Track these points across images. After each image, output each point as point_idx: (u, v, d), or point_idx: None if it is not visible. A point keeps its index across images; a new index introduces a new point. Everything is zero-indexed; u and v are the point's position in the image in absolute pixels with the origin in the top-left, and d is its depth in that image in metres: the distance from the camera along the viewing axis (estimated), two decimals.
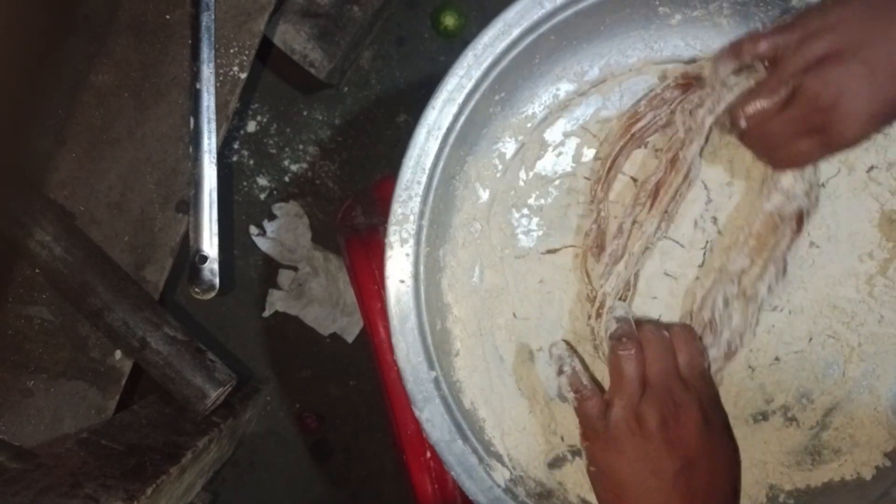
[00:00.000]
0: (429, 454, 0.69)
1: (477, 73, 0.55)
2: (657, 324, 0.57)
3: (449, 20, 0.89)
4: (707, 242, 0.60)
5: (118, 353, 0.74)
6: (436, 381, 0.56)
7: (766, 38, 0.51)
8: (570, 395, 0.55)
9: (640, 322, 0.56)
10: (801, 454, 0.61)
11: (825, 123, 0.49)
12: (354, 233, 0.75)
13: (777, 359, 0.61)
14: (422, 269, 0.56)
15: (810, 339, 0.60)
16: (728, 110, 0.53)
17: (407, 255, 0.56)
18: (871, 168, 0.59)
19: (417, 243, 0.56)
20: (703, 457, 0.52)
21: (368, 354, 0.92)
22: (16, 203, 0.69)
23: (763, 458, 0.60)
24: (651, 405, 0.52)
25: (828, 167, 0.59)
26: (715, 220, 0.60)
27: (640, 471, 0.52)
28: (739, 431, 0.60)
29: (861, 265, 0.59)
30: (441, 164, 0.56)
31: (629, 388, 0.53)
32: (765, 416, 0.61)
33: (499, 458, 0.59)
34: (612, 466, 0.53)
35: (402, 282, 0.56)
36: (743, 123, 0.51)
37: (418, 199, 0.55)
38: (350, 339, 0.93)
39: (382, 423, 0.94)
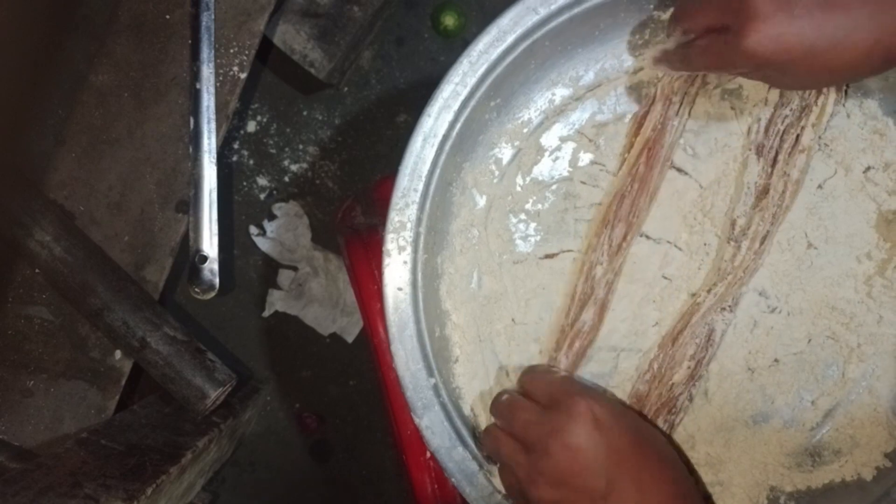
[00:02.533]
0: (428, 454, 0.69)
1: (472, 80, 0.55)
2: (501, 393, 0.57)
3: (449, 20, 0.89)
4: (705, 245, 0.60)
5: (118, 353, 0.74)
6: (435, 388, 0.56)
7: None
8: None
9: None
10: (802, 455, 0.61)
11: (735, 20, 0.48)
12: (354, 233, 0.75)
13: (776, 360, 0.61)
14: (420, 276, 0.56)
15: (809, 341, 0.61)
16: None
17: (405, 262, 0.56)
18: (868, 169, 0.59)
19: (415, 251, 0.56)
20: (617, 463, 0.50)
21: (368, 354, 0.92)
22: (16, 203, 0.69)
23: (763, 459, 0.60)
24: (540, 459, 0.51)
25: (824, 168, 0.59)
26: (706, 216, 0.60)
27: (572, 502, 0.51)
28: (740, 433, 0.60)
29: (859, 266, 0.59)
30: (438, 171, 0.56)
31: (515, 462, 0.53)
32: (765, 418, 0.61)
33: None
34: None
35: (401, 289, 0.56)
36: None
37: (415, 206, 0.56)
38: (350, 339, 0.93)
39: (382, 423, 0.94)
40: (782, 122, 0.57)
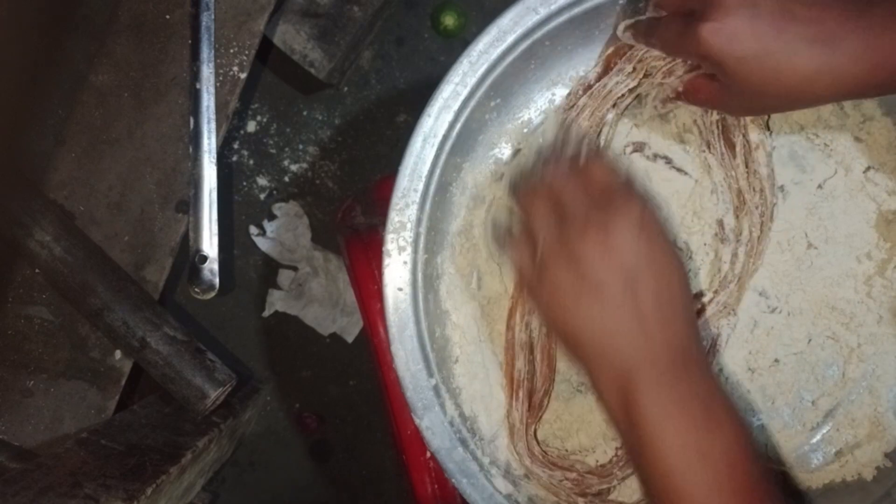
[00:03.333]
0: (428, 454, 0.69)
1: (472, 80, 0.56)
2: (560, 156, 0.54)
3: (449, 20, 0.89)
4: (705, 245, 0.60)
5: (118, 353, 0.74)
6: (435, 388, 0.56)
7: None
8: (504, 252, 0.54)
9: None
10: (802, 456, 0.61)
11: (701, 6, 0.48)
12: (354, 233, 0.75)
13: (777, 361, 0.61)
14: (420, 276, 0.56)
15: (809, 341, 0.61)
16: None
17: (405, 262, 0.56)
18: (868, 169, 0.59)
19: (415, 251, 0.56)
20: (643, 266, 0.48)
21: (368, 354, 0.92)
22: (16, 203, 0.69)
23: (764, 460, 0.60)
24: (571, 233, 0.49)
25: (824, 168, 0.59)
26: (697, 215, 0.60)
27: (581, 304, 0.49)
28: None
29: (859, 266, 0.59)
30: (438, 171, 0.56)
31: (544, 228, 0.50)
32: (765, 418, 0.61)
33: (499, 466, 0.59)
34: (556, 312, 0.50)
35: (401, 290, 0.56)
36: None
37: (415, 206, 0.56)
38: (350, 339, 0.93)
39: (382, 423, 0.94)
40: (717, 122, 0.57)
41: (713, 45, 0.47)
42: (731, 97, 0.51)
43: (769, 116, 0.58)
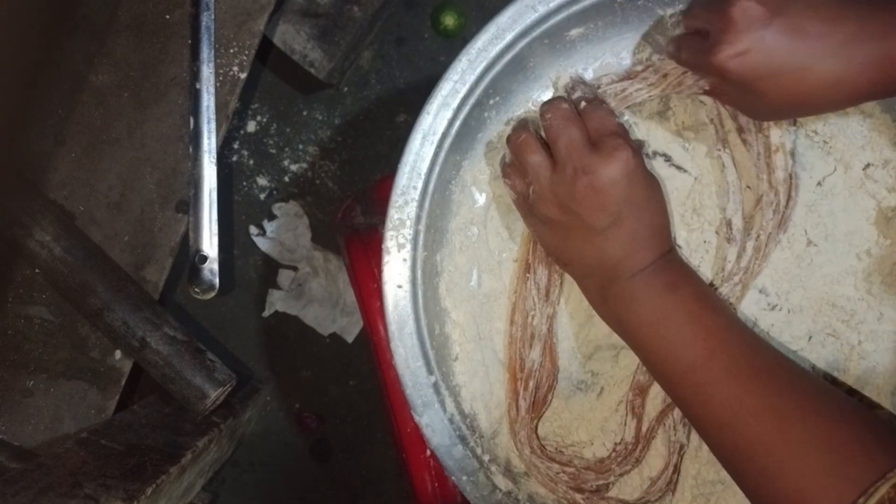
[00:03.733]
0: (429, 453, 0.69)
1: (471, 78, 0.56)
2: (561, 99, 0.56)
3: (449, 20, 0.89)
4: (705, 242, 0.60)
5: (118, 353, 0.74)
6: (435, 385, 0.56)
7: None
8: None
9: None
10: None
11: (713, 28, 0.50)
12: (354, 233, 0.75)
13: None
14: (419, 274, 0.57)
15: (810, 338, 0.60)
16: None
17: (404, 260, 0.56)
18: (868, 166, 0.59)
19: (414, 248, 0.56)
20: (627, 208, 0.52)
21: (368, 354, 0.92)
22: (16, 203, 0.69)
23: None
24: (562, 180, 0.52)
25: (824, 166, 0.59)
26: (713, 220, 0.60)
27: (571, 238, 0.54)
28: None
29: (859, 263, 0.59)
30: (437, 169, 0.56)
31: (534, 172, 0.54)
32: None
33: (499, 463, 0.59)
34: (547, 240, 0.56)
35: (400, 287, 0.56)
36: None
37: (415, 204, 0.56)
38: (350, 338, 0.93)
39: (382, 423, 0.94)
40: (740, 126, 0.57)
41: (728, 67, 0.49)
42: (752, 106, 0.54)
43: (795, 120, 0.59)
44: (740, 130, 0.57)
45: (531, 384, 0.58)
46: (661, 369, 0.54)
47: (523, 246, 0.59)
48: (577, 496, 0.58)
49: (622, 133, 0.53)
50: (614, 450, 0.60)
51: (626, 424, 0.60)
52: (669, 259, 0.55)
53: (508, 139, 0.56)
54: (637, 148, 0.54)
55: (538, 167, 0.54)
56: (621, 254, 0.53)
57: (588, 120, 0.54)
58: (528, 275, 0.58)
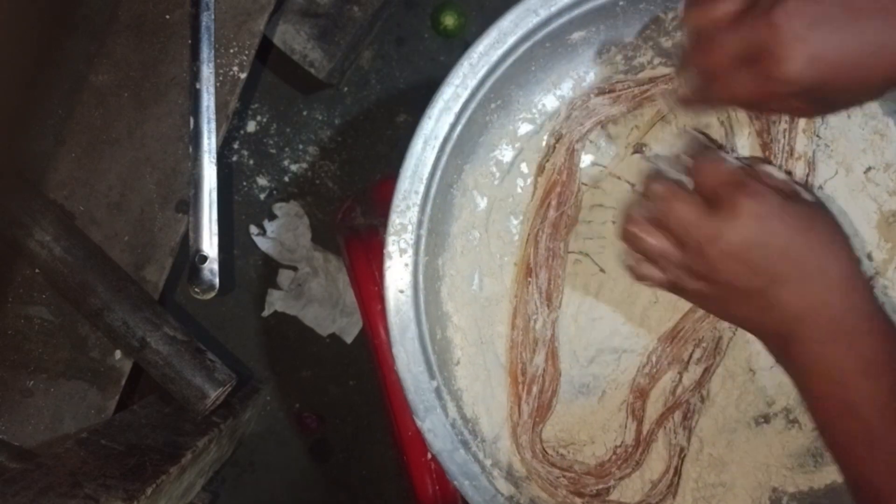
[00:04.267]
0: (430, 456, 0.69)
1: (473, 82, 0.56)
2: (654, 176, 0.52)
3: (449, 20, 0.89)
4: None
5: (118, 353, 0.74)
6: (437, 390, 0.56)
7: None
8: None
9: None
10: (804, 456, 0.61)
11: (766, 47, 0.44)
12: (354, 233, 0.75)
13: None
14: (421, 278, 0.57)
15: None
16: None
17: (406, 264, 0.56)
18: (869, 169, 0.59)
19: (416, 253, 0.56)
20: (778, 260, 0.47)
21: (368, 355, 0.92)
22: (16, 203, 0.69)
23: (766, 460, 0.60)
24: (694, 260, 0.49)
25: (825, 169, 0.59)
26: None
27: (728, 307, 0.50)
28: (741, 435, 0.60)
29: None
30: (438, 173, 0.56)
31: (663, 259, 0.50)
32: (766, 419, 0.61)
33: (501, 468, 0.59)
34: (713, 311, 0.53)
35: (402, 292, 0.56)
36: (692, 20, 0.47)
37: (416, 208, 0.56)
38: (349, 339, 0.93)
39: (382, 423, 0.94)
40: (767, 133, 0.57)
41: (807, 78, 0.44)
42: (814, 106, 0.48)
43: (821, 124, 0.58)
44: (763, 136, 0.57)
45: (534, 389, 0.58)
46: (832, 432, 0.49)
47: (524, 249, 0.59)
48: (578, 500, 0.58)
49: (738, 179, 0.48)
50: (614, 452, 0.60)
51: (626, 427, 0.60)
52: (862, 307, 0.48)
53: (622, 235, 0.53)
54: (766, 185, 0.48)
55: (663, 252, 0.50)
56: (795, 310, 0.47)
57: (701, 179, 0.50)
58: (529, 279, 0.58)
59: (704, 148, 0.52)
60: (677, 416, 0.59)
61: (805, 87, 0.45)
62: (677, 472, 0.59)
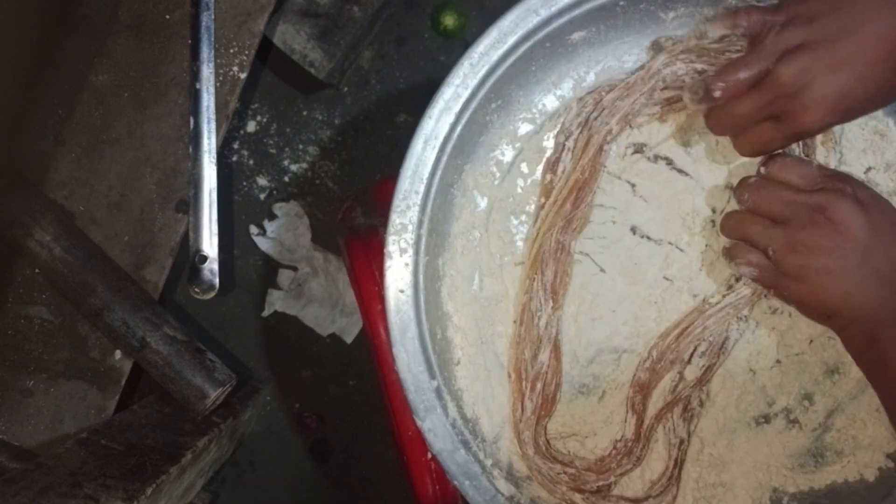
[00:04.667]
0: (430, 456, 0.69)
1: (473, 82, 0.56)
2: (745, 179, 0.56)
3: (449, 20, 0.89)
4: (707, 246, 0.60)
5: (118, 353, 0.74)
6: (437, 390, 0.56)
7: (758, 13, 0.52)
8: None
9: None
10: (804, 456, 0.61)
11: (787, 109, 0.50)
12: (354, 233, 0.75)
13: (778, 361, 0.61)
14: (421, 278, 0.56)
15: (811, 342, 0.61)
16: (704, 79, 0.54)
17: (406, 264, 0.56)
18: (869, 169, 0.59)
19: (416, 253, 0.56)
20: (872, 239, 0.51)
21: (368, 355, 0.92)
22: (16, 203, 0.69)
23: (766, 460, 0.60)
24: (801, 230, 0.52)
25: None
26: (713, 223, 0.60)
27: (826, 286, 0.52)
28: (742, 434, 0.60)
29: None
30: (439, 173, 0.56)
31: (766, 237, 0.54)
32: (767, 419, 0.61)
33: (501, 468, 0.59)
34: (804, 296, 0.54)
35: (402, 291, 0.56)
36: (718, 93, 0.52)
37: (416, 208, 0.56)
38: (349, 339, 0.93)
39: (382, 423, 0.94)
40: None
41: (824, 123, 0.51)
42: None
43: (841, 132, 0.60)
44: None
45: (538, 386, 0.58)
46: None
47: (533, 245, 0.59)
48: (578, 497, 0.58)
49: (831, 173, 0.54)
50: (614, 447, 0.60)
51: (626, 421, 0.60)
52: None
53: (722, 227, 0.57)
54: (854, 179, 0.53)
55: (767, 230, 0.54)
56: (888, 291, 0.51)
57: (787, 177, 0.54)
58: (535, 276, 0.58)
59: (783, 155, 0.56)
60: (676, 410, 0.59)
61: (825, 127, 0.51)
62: (678, 464, 0.59)
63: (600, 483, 0.59)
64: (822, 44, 0.49)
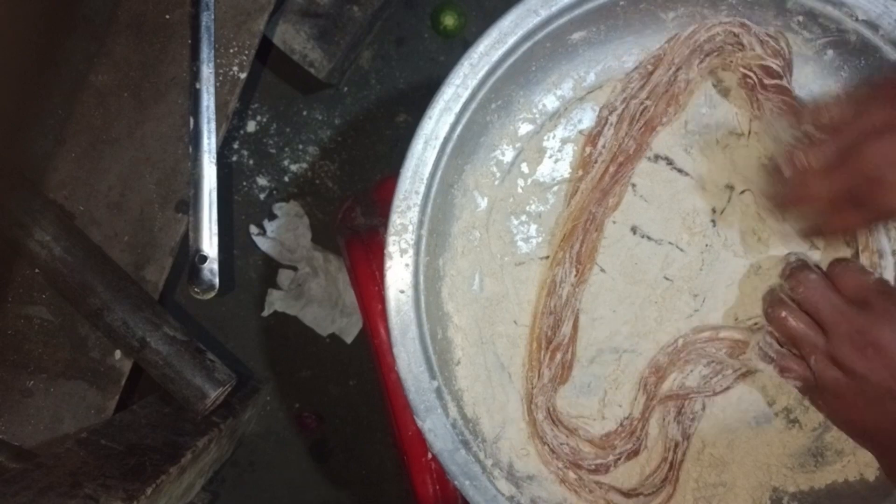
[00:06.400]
0: (430, 456, 0.69)
1: (473, 83, 0.55)
2: (803, 265, 0.55)
3: (448, 20, 0.89)
4: (707, 246, 0.60)
5: (118, 353, 0.74)
6: (438, 390, 0.56)
7: (827, 111, 0.51)
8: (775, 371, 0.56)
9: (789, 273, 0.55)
10: (804, 456, 0.61)
11: (869, 193, 0.49)
12: (354, 233, 0.75)
13: None
14: (422, 278, 0.56)
15: None
16: (775, 156, 0.53)
17: (406, 265, 0.56)
18: None
19: (417, 253, 0.56)
20: None
21: (368, 354, 0.92)
22: (16, 203, 0.69)
23: (766, 460, 0.60)
24: (840, 347, 0.51)
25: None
26: (714, 223, 0.60)
27: (863, 407, 0.51)
28: (742, 435, 0.60)
29: None
30: (439, 173, 0.56)
31: (808, 344, 0.53)
32: (767, 419, 0.61)
33: (502, 468, 0.59)
34: (840, 413, 0.53)
35: (402, 292, 0.56)
36: (787, 171, 0.51)
37: (417, 208, 0.55)
38: (349, 339, 0.93)
39: (382, 423, 0.94)
40: None
41: None
42: None
43: None
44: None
45: (558, 356, 0.58)
46: None
47: (567, 221, 0.59)
48: (571, 475, 0.59)
49: (887, 289, 0.52)
50: (620, 424, 0.60)
51: (636, 400, 0.60)
52: None
53: (769, 317, 0.56)
54: None
55: (812, 337, 0.53)
56: None
57: (842, 284, 0.53)
58: (566, 248, 0.58)
59: (845, 260, 0.55)
60: (672, 410, 0.59)
61: None
62: (673, 467, 0.59)
63: (598, 461, 0.59)
64: None
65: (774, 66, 0.55)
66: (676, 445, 0.60)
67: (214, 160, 0.74)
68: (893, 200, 0.49)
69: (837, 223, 0.52)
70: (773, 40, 0.56)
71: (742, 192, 0.59)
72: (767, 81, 0.55)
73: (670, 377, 0.60)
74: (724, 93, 0.59)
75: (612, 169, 0.58)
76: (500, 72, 0.56)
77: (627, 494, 0.60)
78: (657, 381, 0.60)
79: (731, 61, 0.57)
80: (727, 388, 0.60)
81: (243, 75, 0.74)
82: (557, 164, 0.61)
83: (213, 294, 0.76)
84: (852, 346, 0.51)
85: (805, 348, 0.53)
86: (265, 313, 0.93)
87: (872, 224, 0.53)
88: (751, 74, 0.56)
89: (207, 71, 0.72)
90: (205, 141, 0.73)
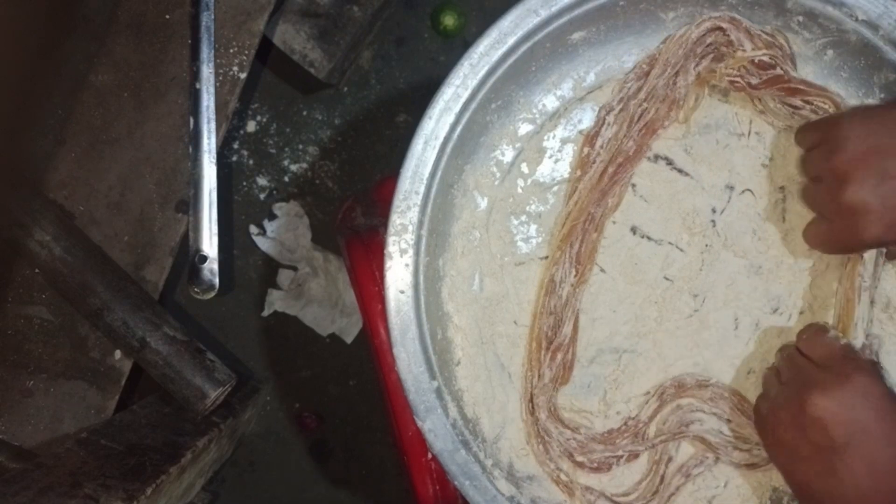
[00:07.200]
0: (430, 456, 0.69)
1: (473, 83, 0.55)
2: (784, 347, 0.57)
3: (448, 20, 0.89)
4: (707, 246, 0.60)
5: (118, 353, 0.74)
6: (437, 391, 0.56)
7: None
8: None
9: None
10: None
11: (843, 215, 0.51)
12: (355, 234, 0.75)
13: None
14: (422, 278, 0.56)
15: None
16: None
17: (406, 265, 0.56)
18: None
19: (417, 253, 0.56)
20: (857, 435, 0.50)
21: (368, 354, 0.92)
22: (16, 203, 0.69)
23: None
24: (788, 396, 0.52)
25: None
26: (713, 223, 0.60)
27: (804, 468, 0.52)
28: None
29: None
30: (439, 173, 0.56)
31: (766, 387, 0.56)
32: None
33: (502, 468, 0.59)
34: (787, 472, 0.54)
35: (402, 292, 0.56)
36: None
37: (417, 209, 0.55)
38: (349, 339, 0.93)
39: (382, 423, 0.94)
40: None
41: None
42: None
43: None
44: None
45: (559, 356, 0.58)
46: None
47: (565, 221, 0.59)
48: (564, 477, 0.59)
49: (854, 356, 0.53)
50: (625, 423, 0.60)
51: (647, 404, 0.60)
52: None
53: (779, 363, 0.57)
54: (877, 373, 0.52)
55: (769, 385, 0.55)
56: (858, 492, 0.49)
57: (808, 350, 0.54)
58: (565, 247, 0.58)
59: (818, 326, 0.56)
60: (670, 422, 0.60)
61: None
62: (662, 480, 0.60)
63: (607, 454, 0.59)
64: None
65: (765, 59, 0.55)
66: (669, 460, 0.60)
67: (214, 160, 0.74)
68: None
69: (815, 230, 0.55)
70: (764, 33, 0.56)
71: (742, 191, 0.59)
72: (760, 76, 0.55)
73: (688, 398, 0.60)
74: (724, 93, 0.59)
75: (610, 169, 0.58)
76: (500, 72, 0.56)
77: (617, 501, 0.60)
78: (675, 394, 0.60)
79: (715, 71, 0.57)
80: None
81: (243, 75, 0.74)
82: (557, 164, 0.61)
83: (213, 294, 0.76)
84: (798, 395, 0.51)
85: (766, 394, 0.56)
86: (265, 313, 0.93)
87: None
88: (737, 79, 0.56)
89: (207, 71, 0.73)
90: (205, 141, 0.73)
